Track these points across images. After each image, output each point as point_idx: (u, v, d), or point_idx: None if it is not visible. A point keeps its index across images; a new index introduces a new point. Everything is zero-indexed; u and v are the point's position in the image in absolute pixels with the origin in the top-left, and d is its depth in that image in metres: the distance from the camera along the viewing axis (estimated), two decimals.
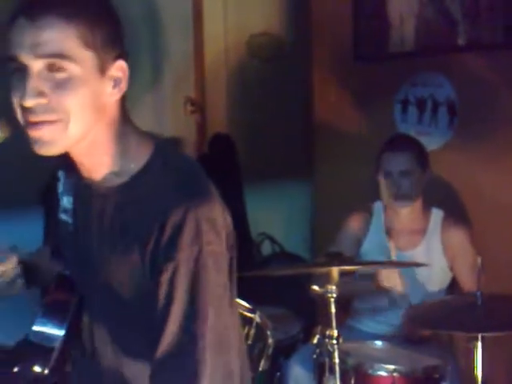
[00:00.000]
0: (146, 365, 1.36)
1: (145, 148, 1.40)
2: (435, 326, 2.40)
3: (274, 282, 2.96)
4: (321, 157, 4.04)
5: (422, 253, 2.90)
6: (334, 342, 2.32)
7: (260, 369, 2.47)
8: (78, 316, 1.50)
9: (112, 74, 1.33)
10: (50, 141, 1.30)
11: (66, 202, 1.51)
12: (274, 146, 4.08)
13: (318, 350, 2.41)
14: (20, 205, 3.21)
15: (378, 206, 3.02)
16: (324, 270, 2.40)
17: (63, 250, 1.57)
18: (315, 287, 2.37)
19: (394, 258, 2.81)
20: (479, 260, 2.33)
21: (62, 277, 1.53)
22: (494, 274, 2.68)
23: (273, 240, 4.08)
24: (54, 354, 1.45)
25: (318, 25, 3.95)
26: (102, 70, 1.31)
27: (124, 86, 1.35)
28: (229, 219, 1.39)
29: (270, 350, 2.50)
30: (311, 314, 3.09)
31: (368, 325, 2.98)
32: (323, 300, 2.36)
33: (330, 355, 2.33)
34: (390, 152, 2.91)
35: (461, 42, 3.31)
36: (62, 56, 1.26)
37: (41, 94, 1.27)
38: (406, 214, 2.94)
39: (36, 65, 1.27)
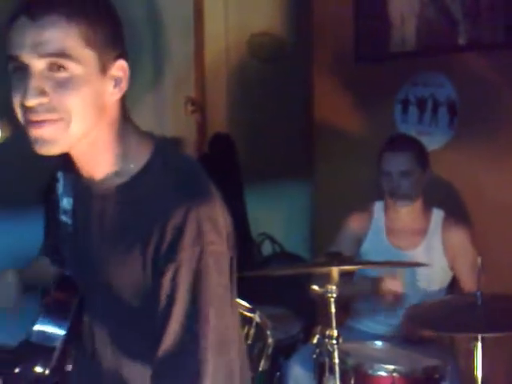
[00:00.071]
0: (145, 366, 1.36)
1: (145, 148, 1.40)
2: (435, 326, 2.40)
3: (274, 282, 2.96)
4: (321, 157, 4.04)
5: (422, 253, 2.90)
6: (334, 342, 2.32)
7: (260, 369, 2.47)
8: (79, 316, 1.50)
9: (113, 73, 1.33)
10: (52, 140, 1.29)
11: (66, 203, 1.51)
12: (274, 146, 4.07)
13: (317, 350, 2.41)
14: (20, 205, 3.21)
15: (378, 205, 3.02)
16: (324, 269, 2.40)
17: (63, 250, 1.56)
18: (315, 287, 2.36)
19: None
20: (479, 260, 2.33)
21: (62, 277, 1.53)
22: (496, 274, 2.68)
23: (273, 240, 4.08)
24: (55, 354, 1.45)
25: (319, 25, 3.96)
26: (103, 69, 1.31)
27: (124, 85, 1.35)
28: (229, 219, 1.38)
29: (270, 350, 2.50)
30: (311, 313, 3.09)
31: (368, 325, 2.98)
32: (323, 300, 2.36)
33: (330, 355, 2.33)
34: (390, 152, 2.91)
35: (461, 41, 3.31)
36: (63, 55, 1.26)
37: (42, 93, 1.27)
38: (407, 213, 2.94)
39: (37, 64, 1.26)
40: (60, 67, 1.27)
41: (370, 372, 2.43)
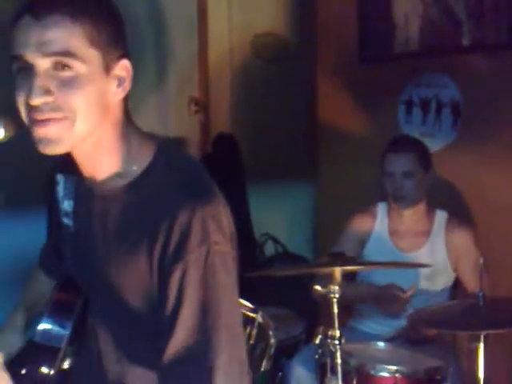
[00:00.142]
0: (147, 369, 1.37)
1: (147, 149, 1.40)
2: (438, 325, 2.40)
3: (276, 283, 2.96)
4: (324, 158, 4.04)
5: (425, 254, 2.89)
6: (336, 342, 2.31)
7: (262, 369, 2.46)
8: (83, 318, 1.50)
9: (116, 73, 1.33)
10: (56, 139, 1.30)
11: (67, 205, 1.51)
12: (277, 146, 4.07)
13: (320, 351, 2.41)
14: (20, 205, 3.21)
15: (381, 207, 3.02)
16: (327, 270, 2.40)
17: (65, 252, 1.56)
18: (318, 287, 2.36)
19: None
20: (481, 260, 2.33)
21: (66, 278, 1.53)
22: (499, 275, 2.68)
23: (276, 240, 4.08)
24: (60, 354, 1.45)
25: (323, 26, 3.95)
26: (107, 68, 1.31)
27: (128, 85, 1.35)
28: (231, 219, 1.39)
29: (272, 350, 2.49)
30: (314, 314, 3.08)
31: (370, 326, 2.98)
32: (326, 300, 2.36)
33: (332, 356, 2.32)
34: (393, 153, 2.91)
35: (465, 42, 3.31)
36: (68, 54, 1.26)
37: (47, 92, 1.27)
38: (410, 215, 2.94)
39: (42, 63, 1.27)
40: (65, 66, 1.27)
41: (372, 373, 2.42)
